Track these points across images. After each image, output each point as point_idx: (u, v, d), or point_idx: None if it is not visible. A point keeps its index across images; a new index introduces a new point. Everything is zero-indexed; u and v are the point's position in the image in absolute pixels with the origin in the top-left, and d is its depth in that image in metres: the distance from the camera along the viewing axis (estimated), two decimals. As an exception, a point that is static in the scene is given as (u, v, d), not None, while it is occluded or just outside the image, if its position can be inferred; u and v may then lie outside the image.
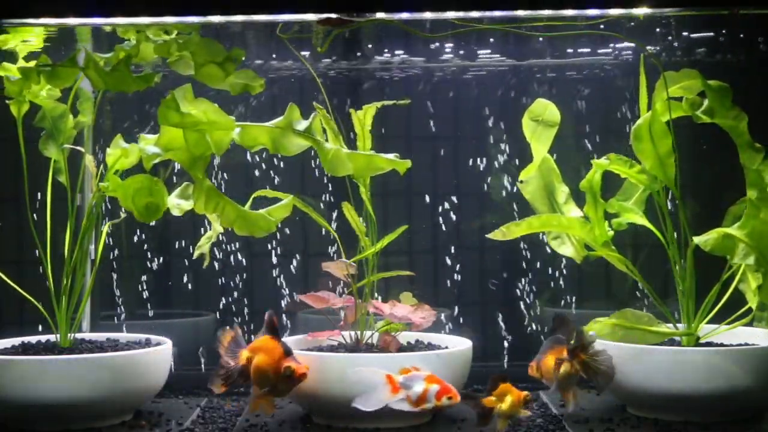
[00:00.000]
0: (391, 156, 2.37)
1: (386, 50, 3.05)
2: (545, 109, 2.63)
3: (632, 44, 2.96)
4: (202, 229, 2.88)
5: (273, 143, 2.33)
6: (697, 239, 2.40)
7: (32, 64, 2.48)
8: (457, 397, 2.09)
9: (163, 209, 2.37)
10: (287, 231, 3.04)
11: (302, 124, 2.33)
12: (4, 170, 2.96)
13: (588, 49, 3.03)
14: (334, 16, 2.28)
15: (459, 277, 3.05)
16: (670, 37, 2.96)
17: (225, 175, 3.04)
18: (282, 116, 2.34)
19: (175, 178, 2.82)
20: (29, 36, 2.48)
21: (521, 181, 2.68)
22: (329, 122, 2.53)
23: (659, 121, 2.46)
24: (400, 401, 2.08)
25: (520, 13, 2.33)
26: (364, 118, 2.53)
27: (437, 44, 3.02)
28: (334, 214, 2.90)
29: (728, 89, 2.43)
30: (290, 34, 2.56)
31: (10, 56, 2.51)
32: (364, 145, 2.54)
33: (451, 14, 2.34)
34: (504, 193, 3.03)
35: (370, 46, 3.03)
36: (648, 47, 2.87)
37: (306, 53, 2.78)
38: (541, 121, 2.62)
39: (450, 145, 3.08)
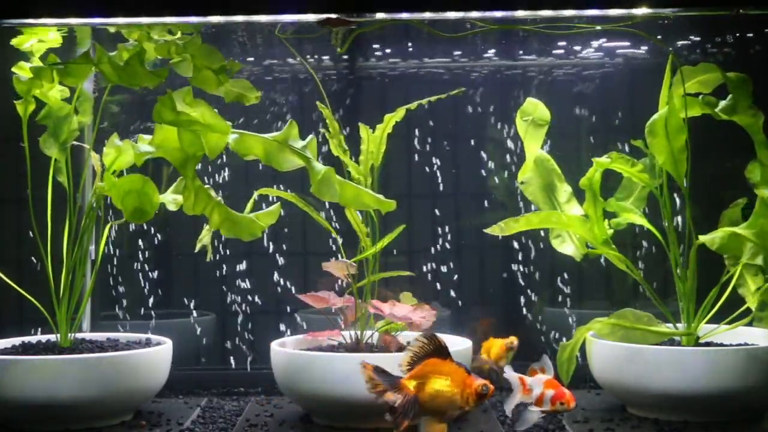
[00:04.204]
0: (379, 196, 2.38)
1: (389, 51, 3.06)
2: (535, 108, 2.64)
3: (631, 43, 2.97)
4: (203, 227, 2.88)
5: (266, 155, 2.33)
6: (703, 238, 2.41)
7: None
8: (571, 403, 2.06)
9: (152, 212, 2.36)
10: (287, 231, 3.04)
11: (298, 143, 2.34)
12: (4, 170, 2.96)
13: (591, 48, 3.04)
14: (334, 16, 2.28)
15: (459, 276, 3.05)
16: (684, 37, 2.98)
17: (227, 172, 3.04)
18: (281, 131, 2.36)
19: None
20: (46, 35, 2.48)
21: (522, 182, 2.68)
22: (332, 122, 2.53)
23: (676, 117, 2.45)
24: (533, 412, 2.07)
25: (520, 13, 2.34)
26: (386, 126, 2.53)
27: (439, 44, 3.03)
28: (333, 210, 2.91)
29: (749, 80, 2.44)
30: (288, 34, 2.57)
31: (24, 57, 2.51)
32: (368, 148, 2.54)
33: (451, 14, 2.34)
34: (508, 192, 3.03)
35: (377, 46, 3.04)
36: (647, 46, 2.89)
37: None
38: (531, 120, 2.62)
39: (450, 146, 3.08)
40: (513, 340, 2.57)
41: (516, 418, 2.10)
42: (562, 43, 3.03)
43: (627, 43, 3.00)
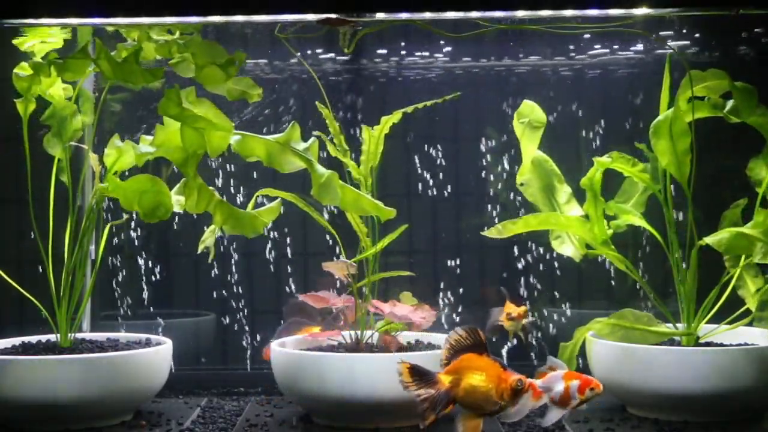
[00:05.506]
0: (378, 202, 2.39)
1: (391, 50, 3.06)
2: (532, 110, 2.64)
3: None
4: (203, 229, 2.88)
5: (268, 157, 2.34)
6: (708, 239, 2.41)
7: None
8: (599, 386, 2.05)
9: (171, 209, 2.37)
10: (287, 230, 3.04)
11: (300, 145, 2.35)
12: (4, 170, 2.96)
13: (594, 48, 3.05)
14: (333, 16, 2.28)
15: (459, 276, 3.05)
16: (686, 38, 2.99)
17: (228, 172, 3.05)
18: (283, 132, 2.36)
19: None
20: (48, 36, 2.48)
21: (521, 184, 2.68)
22: (332, 122, 2.53)
23: (681, 119, 2.46)
24: (554, 412, 2.05)
25: (520, 13, 2.34)
26: (383, 127, 2.53)
27: (442, 44, 3.03)
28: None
29: (754, 90, 2.46)
30: (288, 34, 2.57)
31: (26, 58, 2.51)
32: (369, 148, 2.54)
33: (450, 14, 2.34)
34: (509, 193, 3.04)
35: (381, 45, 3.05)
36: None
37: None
38: (528, 122, 2.63)
39: (450, 146, 3.08)
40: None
41: (541, 414, 2.08)
42: (566, 43, 3.03)
43: (633, 43, 3.01)
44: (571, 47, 3.04)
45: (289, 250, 3.06)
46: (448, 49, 3.05)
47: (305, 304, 2.56)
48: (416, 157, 3.07)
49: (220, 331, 3.07)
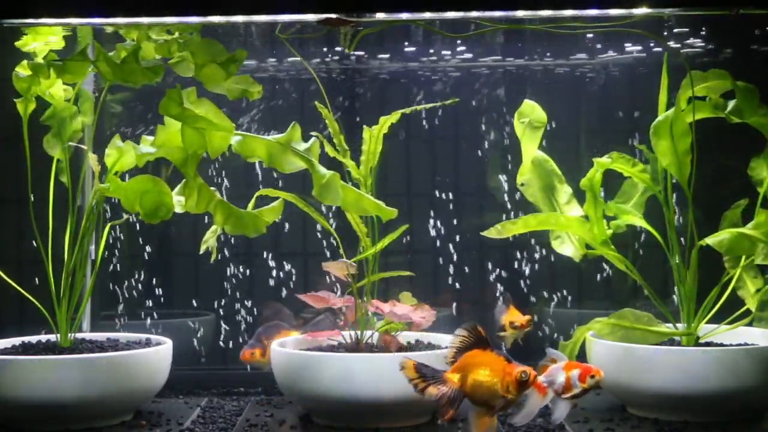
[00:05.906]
0: (379, 202, 2.39)
1: (392, 50, 3.06)
2: (533, 110, 2.64)
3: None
4: (202, 229, 2.88)
5: (269, 158, 2.35)
6: (709, 240, 2.41)
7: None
8: (600, 373, 2.03)
9: (173, 209, 2.37)
10: (287, 231, 3.04)
11: (301, 145, 2.35)
12: (4, 170, 2.96)
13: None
14: (334, 16, 2.28)
15: (459, 276, 3.05)
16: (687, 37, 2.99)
17: (229, 173, 3.05)
18: (284, 133, 2.36)
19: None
20: (49, 36, 2.48)
21: (522, 184, 2.68)
22: (331, 122, 2.53)
23: (682, 119, 2.46)
24: (561, 407, 2.04)
25: (520, 13, 2.34)
26: (382, 127, 2.53)
27: (439, 44, 3.03)
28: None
29: (755, 90, 2.47)
30: (289, 34, 2.57)
31: (28, 58, 2.51)
32: (369, 148, 2.54)
33: (450, 14, 2.34)
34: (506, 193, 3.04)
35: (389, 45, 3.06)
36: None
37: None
38: (528, 122, 2.63)
39: (450, 146, 3.08)
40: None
41: (550, 412, 2.08)
42: (567, 43, 3.03)
43: (634, 43, 3.01)
44: (572, 47, 3.04)
45: (289, 250, 3.06)
46: (449, 49, 3.05)
47: (283, 308, 2.60)
48: (416, 157, 3.07)
49: (220, 331, 3.08)
